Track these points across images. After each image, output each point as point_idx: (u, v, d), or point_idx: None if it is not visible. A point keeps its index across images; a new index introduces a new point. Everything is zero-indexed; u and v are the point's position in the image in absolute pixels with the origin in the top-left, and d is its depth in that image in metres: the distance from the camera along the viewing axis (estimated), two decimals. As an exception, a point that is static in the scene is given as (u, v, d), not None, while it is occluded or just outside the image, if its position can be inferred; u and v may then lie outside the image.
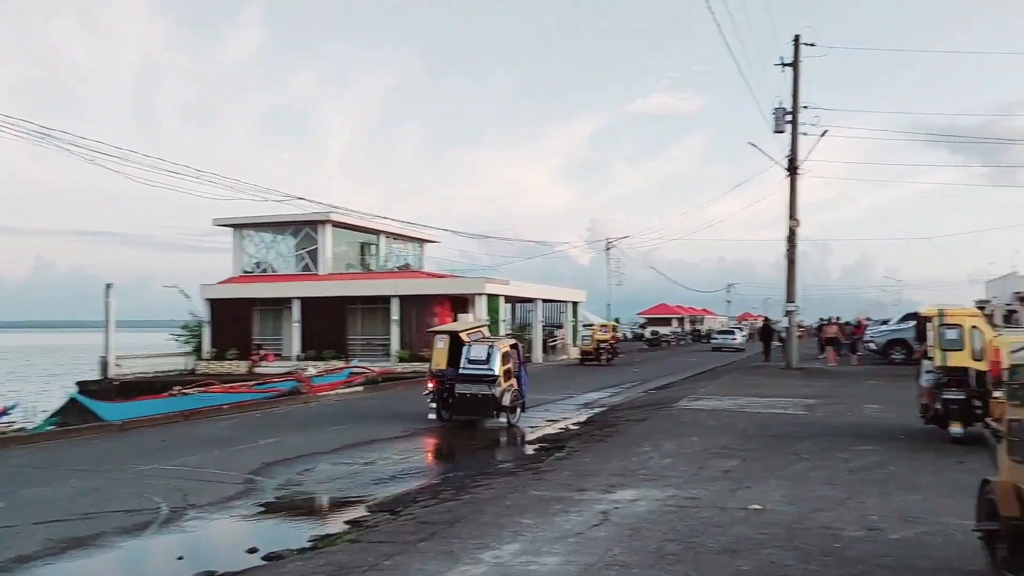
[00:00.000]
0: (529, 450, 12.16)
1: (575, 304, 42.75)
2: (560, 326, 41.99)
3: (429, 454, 12.56)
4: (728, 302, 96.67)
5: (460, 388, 14.11)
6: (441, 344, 14.98)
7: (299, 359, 31.60)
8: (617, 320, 57.93)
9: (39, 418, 18.11)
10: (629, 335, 70.09)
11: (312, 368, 26.59)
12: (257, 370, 31.11)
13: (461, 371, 14.19)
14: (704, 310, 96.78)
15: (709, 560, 5.50)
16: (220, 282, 35.53)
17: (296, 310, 33.16)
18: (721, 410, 14.66)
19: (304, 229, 35.57)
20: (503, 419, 14.32)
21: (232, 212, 34.83)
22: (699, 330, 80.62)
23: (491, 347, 14.31)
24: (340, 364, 29.23)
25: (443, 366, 14.64)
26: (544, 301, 38.63)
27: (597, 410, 17.03)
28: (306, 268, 35.54)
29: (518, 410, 14.69)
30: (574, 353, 38.56)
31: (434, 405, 14.58)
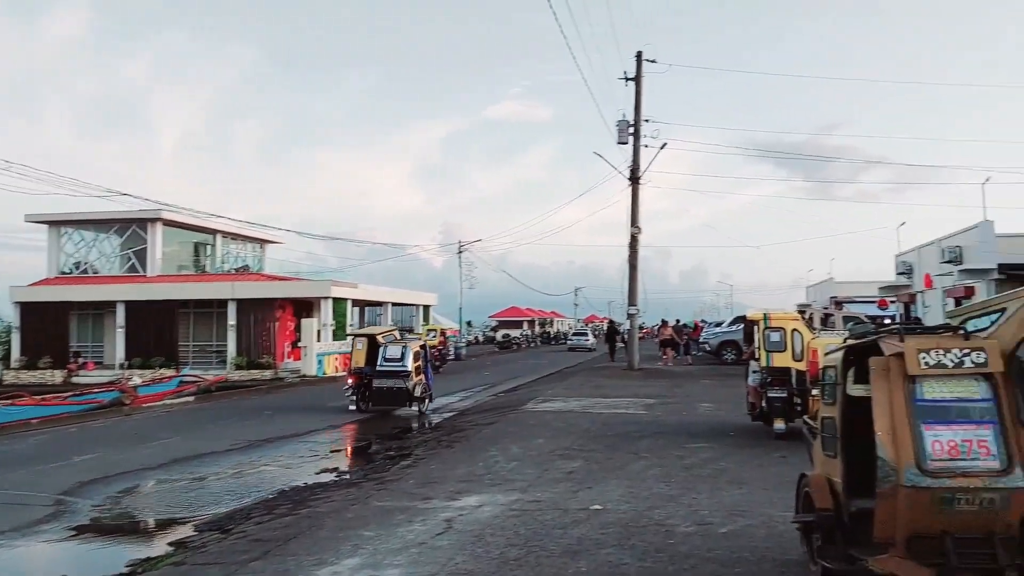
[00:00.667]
0: (375, 459, 11.85)
1: (426, 307, 42.54)
2: (411, 330, 41.63)
3: (267, 467, 11.95)
4: (576, 305, 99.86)
5: (377, 383, 16.21)
6: (360, 345, 17.17)
7: (123, 367, 29.31)
8: (469, 323, 58.18)
9: None
10: (481, 338, 70.81)
11: (138, 377, 24.68)
12: (75, 380, 28.62)
13: (379, 368, 16.24)
14: (553, 312, 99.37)
15: (550, 563, 5.51)
16: (33, 283, 32.37)
17: (120, 314, 30.79)
18: (567, 411, 14.97)
19: (131, 227, 33.12)
20: (415, 408, 16.43)
21: (49, 208, 31.84)
22: (548, 332, 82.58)
23: (404, 347, 16.55)
24: (170, 373, 27.42)
25: (362, 364, 16.72)
26: (394, 305, 38.17)
27: (446, 415, 16.92)
28: (133, 269, 33.11)
29: (427, 400, 17.05)
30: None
31: (354, 398, 16.56)
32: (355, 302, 34.80)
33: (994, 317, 4.17)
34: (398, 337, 17.65)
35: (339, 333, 31.81)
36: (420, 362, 16.86)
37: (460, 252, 54.24)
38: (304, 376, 28.51)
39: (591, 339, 55.92)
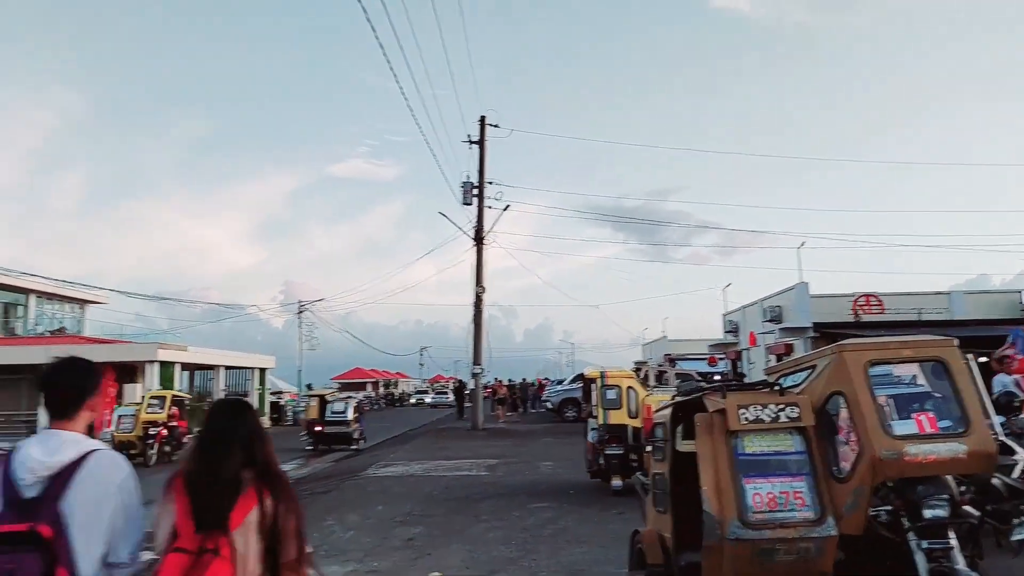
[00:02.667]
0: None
1: (263, 371, 40.53)
2: (245, 394, 39.43)
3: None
4: (421, 365, 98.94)
5: (328, 429, 22.66)
6: (314, 403, 23.72)
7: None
8: (309, 385, 55.79)
9: None
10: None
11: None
12: None
13: (327, 419, 22.82)
14: (399, 373, 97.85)
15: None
16: None
17: (-95, 382, 27.07)
18: (408, 476, 14.56)
19: (-75, 284, 29.51)
20: (354, 447, 22.48)
21: None
22: (393, 393, 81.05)
23: (346, 403, 23.43)
24: (-35, 446, 24.21)
25: (316, 416, 23.04)
26: (227, 368, 36.06)
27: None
28: (-75, 330, 29.36)
29: (362, 441, 23.28)
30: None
31: (312, 440, 22.77)
32: (185, 366, 32.54)
33: (806, 374, 4.44)
34: (341, 396, 25.54)
35: (167, 399, 29.53)
36: (358, 414, 23.40)
37: (300, 312, 52.46)
38: (124, 446, 26.12)
39: (451, 396, 56.35)
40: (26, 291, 32.93)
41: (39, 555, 2.39)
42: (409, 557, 7.73)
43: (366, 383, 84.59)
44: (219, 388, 35.06)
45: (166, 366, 29.97)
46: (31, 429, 27.18)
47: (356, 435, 22.66)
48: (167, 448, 20.66)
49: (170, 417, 21.40)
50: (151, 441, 20.26)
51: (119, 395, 28.53)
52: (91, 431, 2.85)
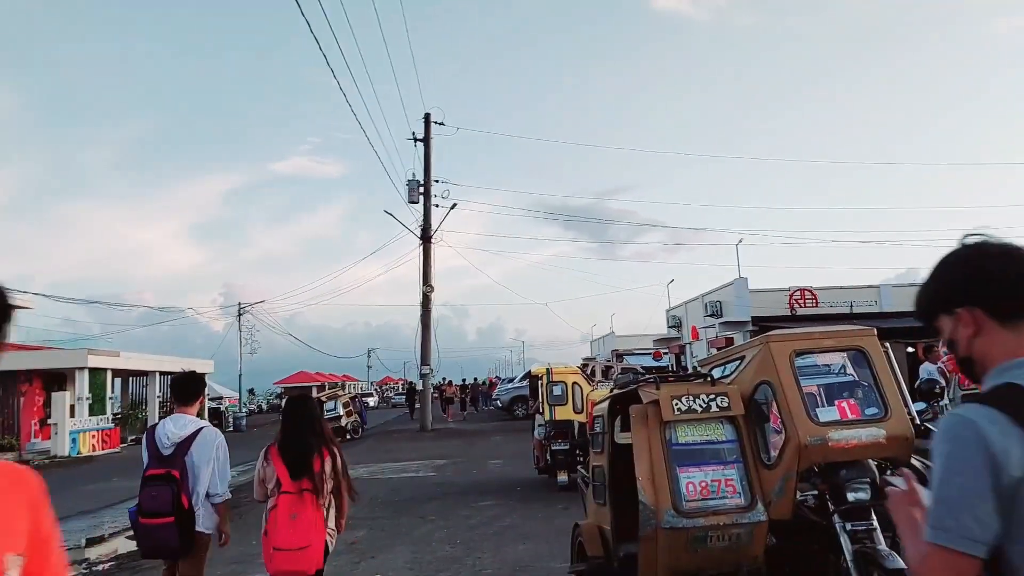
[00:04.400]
0: (131, 545, 10.56)
1: (201, 375, 39.59)
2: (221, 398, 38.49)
3: None
4: (369, 367, 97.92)
5: None
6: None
7: None
8: (252, 391, 54.89)
9: None
10: (265, 406, 67.10)
11: None
12: None
13: None
14: (345, 376, 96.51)
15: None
16: None
17: None
18: (354, 478, 14.38)
19: None
20: (348, 437, 24.55)
21: None
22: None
23: (335, 400, 26.02)
24: None
25: None
26: (162, 374, 35.03)
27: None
28: None
29: (359, 429, 26.57)
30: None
31: None
32: (116, 372, 31.50)
33: (736, 364, 4.56)
34: (338, 394, 28.65)
35: (97, 407, 28.59)
36: (351, 407, 26.57)
37: (240, 315, 51.40)
38: (55, 457, 25.21)
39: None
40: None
41: (171, 488, 4.63)
42: (351, 560, 7.65)
43: (311, 387, 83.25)
44: (155, 395, 34.08)
45: (97, 372, 29.00)
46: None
47: (350, 427, 25.65)
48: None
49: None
50: None
51: (46, 404, 27.51)
52: (200, 414, 4.94)
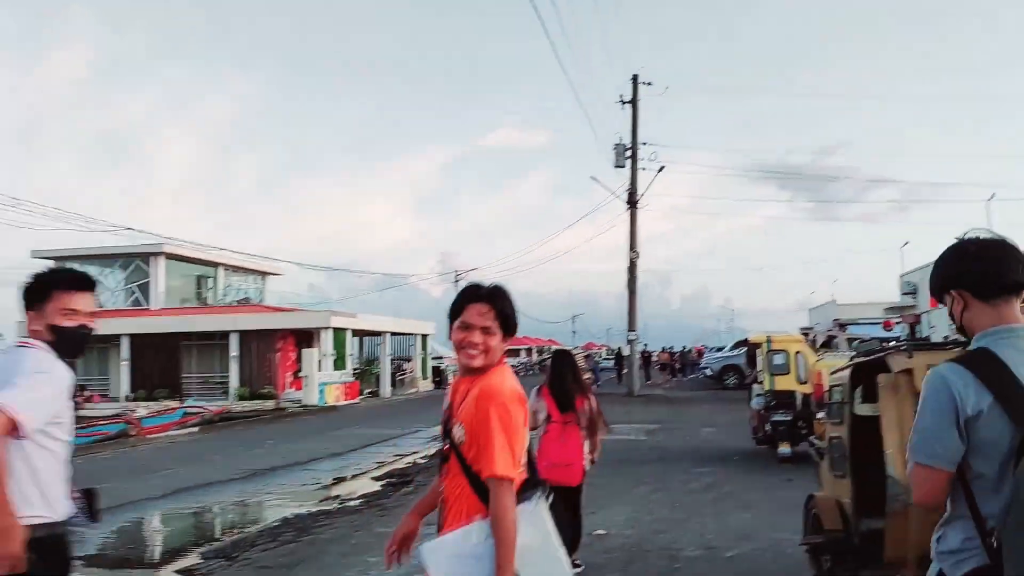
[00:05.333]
0: (375, 486, 11.74)
1: (424, 337, 42.43)
2: (409, 359, 41.51)
3: (270, 496, 11.84)
4: (574, 332, 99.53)
5: None
6: None
7: (128, 400, 29.14)
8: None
9: None
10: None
11: (143, 409, 24.56)
12: (81, 413, 28.40)
13: None
14: (551, 340, 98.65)
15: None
16: (35, 318, 32.31)
17: (125, 347, 30.66)
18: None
19: (134, 261, 33.15)
20: None
21: (53, 243, 31.77)
22: (546, 360, 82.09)
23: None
24: (173, 404, 27.23)
25: None
26: (393, 334, 38.04)
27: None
28: (136, 303, 33.06)
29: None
30: (424, 386, 38.27)
31: None
32: (354, 332, 34.69)
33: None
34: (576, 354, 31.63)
35: (339, 363, 31.72)
36: (587, 365, 24.66)
37: (456, 281, 54.26)
38: (306, 406, 28.37)
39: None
40: (215, 265, 36.17)
41: None
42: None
43: (519, 349, 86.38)
44: (385, 353, 37.10)
45: (339, 332, 32.08)
46: (223, 389, 30.14)
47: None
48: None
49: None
50: None
51: (298, 359, 30.92)
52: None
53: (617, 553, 6.36)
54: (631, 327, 27.34)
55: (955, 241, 2.10)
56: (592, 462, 6.05)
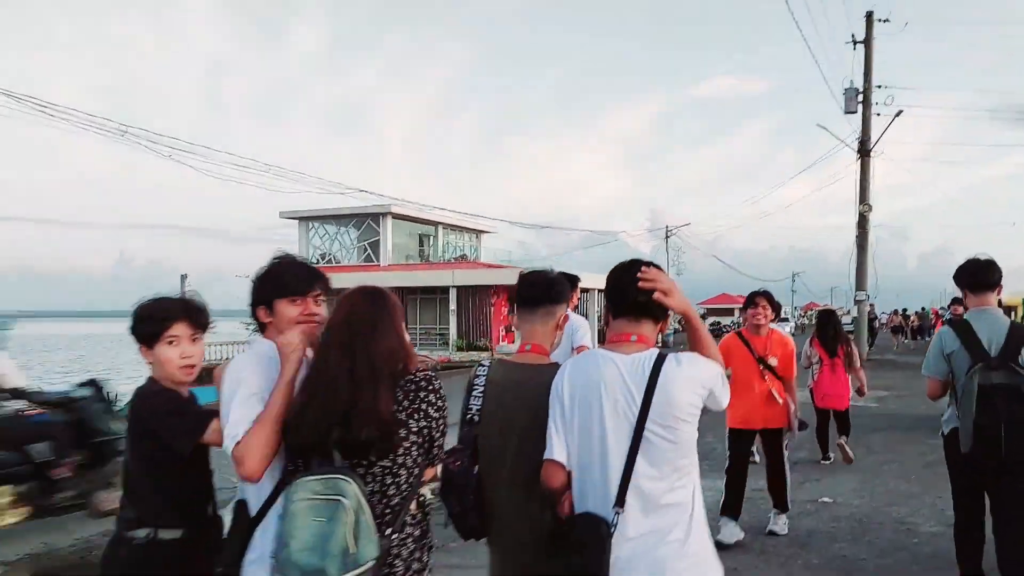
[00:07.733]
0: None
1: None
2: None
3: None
4: (793, 291, 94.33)
5: None
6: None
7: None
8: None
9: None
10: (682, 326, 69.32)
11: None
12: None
13: None
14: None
15: (777, 552, 5.32)
16: (285, 274, 36.36)
17: (356, 302, 33.76)
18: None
19: (366, 221, 36.08)
20: None
21: (297, 205, 35.48)
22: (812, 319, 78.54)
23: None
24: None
25: None
26: (600, 291, 38.33)
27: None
28: (368, 259, 36.05)
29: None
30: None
31: None
32: (567, 289, 35.52)
33: None
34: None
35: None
36: None
37: (668, 237, 53.29)
38: (519, 359, 29.66)
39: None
40: (435, 224, 38.41)
41: None
42: (795, 481, 7.66)
43: (733, 308, 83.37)
44: (594, 310, 37.51)
45: (551, 289, 33.00)
46: (443, 340, 32.14)
47: None
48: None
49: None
50: None
51: (510, 312, 32.21)
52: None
53: (845, 522, 6.08)
54: (860, 286, 25.38)
55: (968, 259, 4.03)
56: (860, 392, 8.37)
